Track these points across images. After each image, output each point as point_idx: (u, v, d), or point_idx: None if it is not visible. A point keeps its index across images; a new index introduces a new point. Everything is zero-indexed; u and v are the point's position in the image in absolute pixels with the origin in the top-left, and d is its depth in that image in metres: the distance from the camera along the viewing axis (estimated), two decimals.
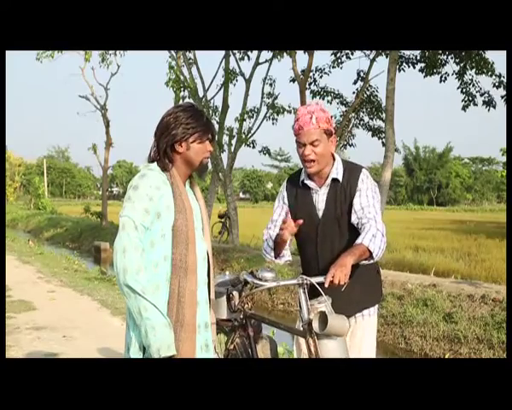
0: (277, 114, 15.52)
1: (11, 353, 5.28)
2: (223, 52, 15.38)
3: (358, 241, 2.66)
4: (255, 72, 15.26)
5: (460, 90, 12.89)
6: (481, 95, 12.78)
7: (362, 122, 14.98)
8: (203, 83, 15.65)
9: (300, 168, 2.99)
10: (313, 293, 2.63)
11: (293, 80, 13.93)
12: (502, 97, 12.40)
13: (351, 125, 14.87)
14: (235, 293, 3.05)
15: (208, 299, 2.45)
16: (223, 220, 18.45)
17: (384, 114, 12.42)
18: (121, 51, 19.59)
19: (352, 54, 13.84)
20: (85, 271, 12.52)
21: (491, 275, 10.72)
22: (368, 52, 13.62)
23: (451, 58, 12.71)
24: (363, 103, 14.59)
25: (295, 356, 2.99)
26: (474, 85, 12.83)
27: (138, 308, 2.18)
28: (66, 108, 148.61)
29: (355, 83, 14.44)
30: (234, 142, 15.42)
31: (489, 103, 12.68)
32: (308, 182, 2.93)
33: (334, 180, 2.86)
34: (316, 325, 2.52)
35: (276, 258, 3.01)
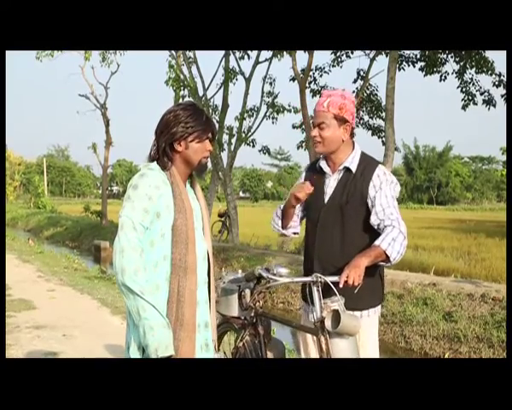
0: (277, 113, 15.54)
1: (11, 352, 5.28)
2: (223, 51, 15.38)
3: (377, 243, 2.65)
4: (255, 71, 15.27)
5: (460, 89, 12.90)
6: (481, 94, 12.79)
7: (362, 121, 14.98)
8: (203, 82, 15.66)
9: None
10: (323, 291, 2.65)
11: (293, 79, 13.93)
12: (502, 96, 12.40)
13: None
14: (247, 291, 3.06)
15: (208, 298, 2.45)
16: (223, 219, 18.46)
17: (384, 113, 12.42)
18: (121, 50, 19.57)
19: (352, 53, 13.84)
20: (85, 270, 12.52)
21: (491, 274, 10.73)
22: (368, 51, 13.62)
23: (451, 57, 12.71)
24: (363, 102, 14.59)
25: (302, 355, 2.98)
26: (473, 84, 12.83)
27: (137, 308, 2.18)
28: (66, 106, 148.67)
29: (355, 82, 14.46)
30: (234, 141, 15.43)
31: (489, 102, 12.69)
32: (322, 164, 2.94)
33: (348, 169, 2.86)
34: (328, 323, 2.53)
35: (282, 228, 3.05)
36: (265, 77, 15.37)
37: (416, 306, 7.71)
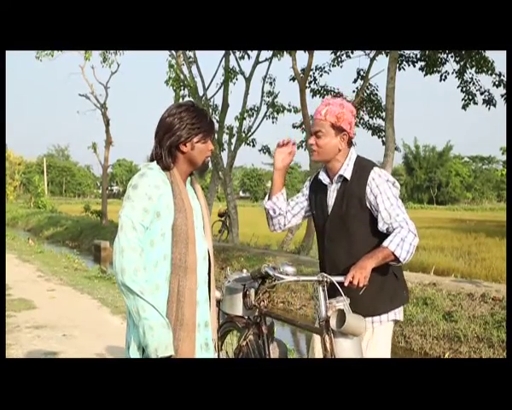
0: (277, 113, 15.55)
1: (11, 351, 5.28)
2: (223, 51, 15.37)
3: (385, 244, 2.63)
4: (255, 70, 15.27)
5: (460, 88, 12.90)
6: (481, 93, 12.79)
7: (362, 121, 14.99)
8: (203, 81, 15.65)
9: None
10: (329, 292, 2.65)
11: (293, 79, 13.95)
12: (502, 96, 12.41)
13: None
14: (252, 290, 3.06)
15: (208, 298, 2.45)
16: (223, 219, 18.45)
17: (384, 113, 12.43)
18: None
19: (352, 53, 13.85)
20: (85, 269, 12.52)
21: (491, 274, 10.73)
22: (368, 51, 13.63)
23: (451, 57, 12.72)
24: (363, 102, 14.61)
25: (316, 355, 2.96)
26: (474, 84, 12.84)
27: (136, 308, 2.18)
28: (66, 106, 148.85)
29: (355, 81, 14.47)
30: (234, 140, 15.43)
31: (489, 102, 12.69)
32: (321, 176, 2.95)
33: (344, 178, 2.85)
34: (333, 323, 2.54)
35: (269, 199, 3.07)
36: (265, 77, 15.38)
37: (416, 306, 7.71)
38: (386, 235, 2.70)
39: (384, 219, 2.71)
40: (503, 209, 42.68)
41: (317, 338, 2.89)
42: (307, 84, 13.91)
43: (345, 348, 2.54)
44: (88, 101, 23.08)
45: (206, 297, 2.42)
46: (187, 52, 15.49)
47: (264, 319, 3.06)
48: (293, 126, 15.46)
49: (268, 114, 15.57)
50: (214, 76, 15.66)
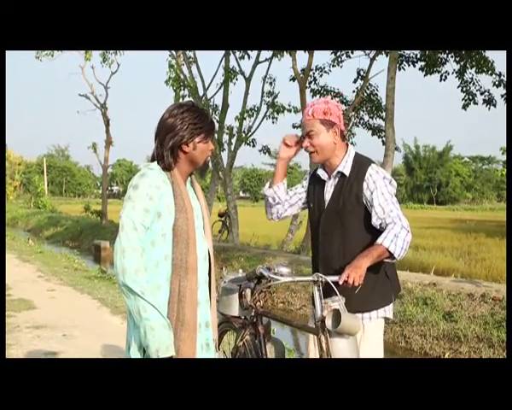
0: (277, 113, 15.53)
1: (11, 351, 5.28)
2: (223, 51, 15.37)
3: (379, 241, 2.64)
4: (255, 70, 15.26)
5: (460, 88, 12.91)
6: (481, 93, 12.80)
7: (362, 121, 15.01)
8: (203, 81, 15.65)
9: None
10: (325, 292, 2.65)
11: (293, 79, 13.94)
12: (502, 96, 12.41)
13: (351, 124, 14.88)
14: (248, 291, 3.06)
15: (209, 298, 2.45)
16: (223, 219, 18.45)
17: (384, 113, 12.44)
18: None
19: (352, 53, 13.84)
20: (85, 269, 12.52)
21: (491, 274, 10.72)
22: (368, 51, 13.62)
23: (451, 57, 12.72)
24: (363, 102, 14.61)
25: (311, 355, 2.96)
26: (474, 84, 12.85)
27: (137, 309, 2.18)
28: (66, 106, 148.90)
29: (355, 81, 14.46)
30: (234, 141, 15.42)
31: (489, 102, 12.70)
32: (319, 171, 2.98)
33: (342, 174, 2.87)
34: (329, 323, 2.54)
35: (269, 187, 3.10)
36: (265, 77, 15.37)
37: (416, 306, 7.71)
38: (379, 231, 2.73)
39: (378, 213, 2.74)
40: (503, 209, 42.70)
41: (311, 338, 2.90)
42: (307, 85, 13.91)
43: (341, 348, 2.54)
44: (88, 101, 23.11)
45: (206, 297, 2.42)
46: (187, 52, 15.49)
47: (260, 319, 3.06)
48: (293, 126, 15.44)
49: (268, 114, 15.56)
50: (214, 76, 15.68)
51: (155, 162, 2.39)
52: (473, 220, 29.66)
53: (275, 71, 53.35)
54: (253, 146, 15.48)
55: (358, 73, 14.38)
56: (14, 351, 5.34)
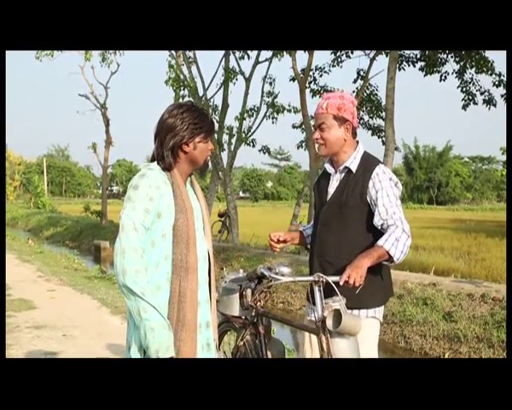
0: (277, 113, 15.53)
1: (11, 351, 5.29)
2: (222, 51, 15.37)
3: (380, 243, 2.65)
4: (255, 70, 15.25)
5: (460, 88, 12.91)
6: (481, 93, 12.79)
7: (362, 121, 14.97)
8: (203, 82, 15.64)
9: None
10: (325, 291, 2.65)
11: (293, 79, 13.92)
12: (502, 96, 12.41)
13: None
14: (248, 291, 3.06)
15: (209, 298, 2.45)
16: (223, 219, 18.45)
17: (384, 113, 12.42)
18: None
19: (352, 53, 13.83)
20: (85, 270, 12.52)
21: (491, 274, 10.72)
22: (368, 51, 13.62)
23: (451, 57, 12.71)
24: (363, 102, 14.59)
25: (306, 355, 2.97)
26: (474, 84, 12.84)
27: (138, 309, 2.18)
28: (66, 106, 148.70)
29: (355, 82, 14.46)
30: (234, 141, 15.41)
31: (489, 102, 12.69)
32: (326, 165, 2.99)
33: (349, 169, 2.87)
34: (330, 323, 2.54)
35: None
36: (265, 77, 15.36)
37: (415, 306, 7.71)
38: (376, 230, 2.75)
39: (380, 214, 2.74)
40: (503, 209, 42.71)
41: (307, 337, 2.90)
42: (307, 85, 13.89)
43: (341, 348, 2.54)
44: (88, 101, 23.10)
45: (207, 298, 2.42)
46: (187, 52, 15.48)
47: (260, 319, 3.06)
48: (293, 127, 15.46)
49: (268, 114, 15.55)
50: (214, 76, 15.66)
51: (155, 162, 2.39)
52: (473, 220, 29.67)
53: (275, 71, 53.46)
54: (253, 146, 15.48)
55: (358, 73, 14.37)
56: (14, 351, 5.34)
